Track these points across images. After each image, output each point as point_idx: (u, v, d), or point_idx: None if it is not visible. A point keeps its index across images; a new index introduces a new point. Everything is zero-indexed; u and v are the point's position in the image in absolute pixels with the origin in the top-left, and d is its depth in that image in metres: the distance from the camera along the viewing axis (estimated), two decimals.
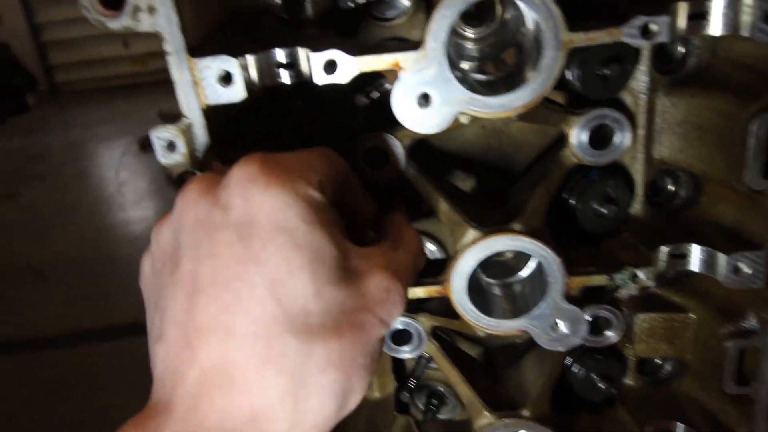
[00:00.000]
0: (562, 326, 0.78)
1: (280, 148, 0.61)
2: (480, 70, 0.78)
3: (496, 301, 0.84)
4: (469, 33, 0.78)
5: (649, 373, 0.95)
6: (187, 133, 0.66)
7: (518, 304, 0.81)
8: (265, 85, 0.66)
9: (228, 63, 0.63)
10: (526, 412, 0.89)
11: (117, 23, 0.61)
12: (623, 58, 0.71)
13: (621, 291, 0.88)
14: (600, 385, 0.91)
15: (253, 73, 0.64)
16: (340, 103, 0.80)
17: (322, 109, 0.81)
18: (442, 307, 0.90)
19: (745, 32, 0.60)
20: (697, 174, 0.79)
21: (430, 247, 0.99)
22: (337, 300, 0.52)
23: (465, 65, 0.78)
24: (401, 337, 0.89)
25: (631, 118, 0.75)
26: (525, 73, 0.65)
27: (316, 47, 0.63)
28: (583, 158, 0.77)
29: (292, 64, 0.65)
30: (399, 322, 0.87)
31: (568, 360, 0.92)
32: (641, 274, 0.76)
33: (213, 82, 0.64)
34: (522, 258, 0.85)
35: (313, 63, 0.63)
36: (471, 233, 0.75)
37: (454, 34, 0.68)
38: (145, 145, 5.81)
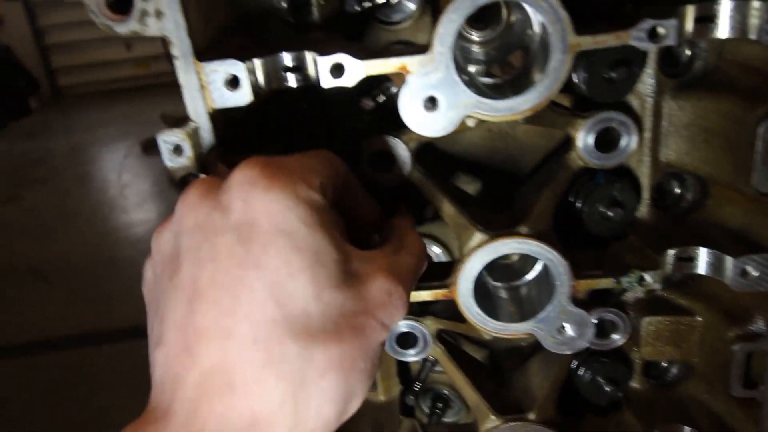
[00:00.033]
0: (569, 329, 0.78)
1: (285, 151, 0.61)
2: (487, 74, 0.78)
3: (503, 304, 0.84)
4: (475, 36, 0.78)
5: (656, 376, 0.95)
6: (194, 136, 0.66)
7: (524, 307, 0.81)
8: (272, 88, 0.66)
9: (235, 67, 0.63)
10: (532, 416, 0.89)
11: (124, 27, 0.61)
12: (630, 61, 0.71)
13: (627, 294, 0.88)
14: (606, 388, 0.90)
15: (260, 77, 0.64)
16: (346, 106, 0.80)
17: (328, 112, 0.81)
18: (448, 310, 0.90)
19: (752, 35, 0.60)
20: (703, 177, 0.79)
21: (436, 250, 0.99)
22: (337, 303, 0.51)
23: (472, 68, 0.78)
24: (407, 340, 0.88)
25: (637, 121, 0.75)
26: (532, 76, 0.65)
27: (323, 51, 0.63)
28: (590, 161, 0.77)
29: (299, 68, 0.65)
30: (404, 325, 0.87)
31: (574, 363, 0.92)
32: (648, 277, 0.76)
33: (220, 85, 0.64)
34: (528, 261, 0.85)
35: (321, 67, 0.63)
36: (477, 236, 0.75)
37: (460, 37, 0.68)
38: (148, 148, 5.82)
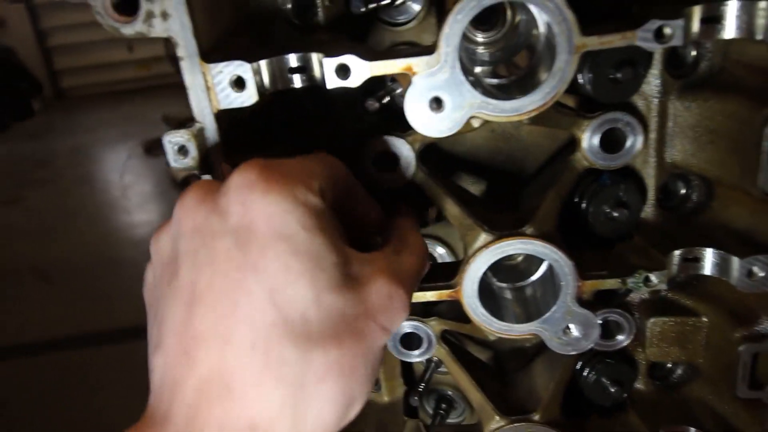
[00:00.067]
0: (574, 330, 0.78)
1: (289, 152, 0.61)
2: (493, 74, 0.78)
3: (508, 304, 0.84)
4: (480, 38, 0.78)
5: (660, 377, 0.95)
6: (199, 137, 0.66)
7: (529, 307, 0.81)
8: (277, 89, 0.66)
9: (241, 68, 0.63)
10: (536, 416, 0.89)
11: (130, 29, 0.61)
12: (636, 61, 0.71)
13: (632, 295, 0.88)
14: (611, 389, 0.90)
15: (266, 78, 0.65)
16: (350, 107, 0.80)
17: (332, 113, 0.81)
18: (452, 310, 0.90)
19: (759, 36, 0.60)
20: (709, 178, 0.79)
21: (440, 251, 0.99)
22: (337, 307, 0.51)
23: (477, 69, 0.78)
24: (411, 340, 0.88)
25: (643, 121, 0.75)
26: (537, 76, 0.65)
27: (329, 52, 0.63)
28: (595, 162, 0.76)
29: (305, 69, 0.65)
30: (408, 326, 0.87)
31: (579, 364, 0.92)
32: (653, 277, 0.76)
33: (225, 86, 0.64)
34: (533, 262, 0.85)
35: (326, 68, 0.63)
36: (483, 237, 0.75)
37: (465, 39, 0.68)
38: (150, 149, 5.83)
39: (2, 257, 4.40)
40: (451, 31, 0.61)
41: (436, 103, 0.64)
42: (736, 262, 0.72)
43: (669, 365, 0.94)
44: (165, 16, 0.61)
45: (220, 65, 0.63)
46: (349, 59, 0.63)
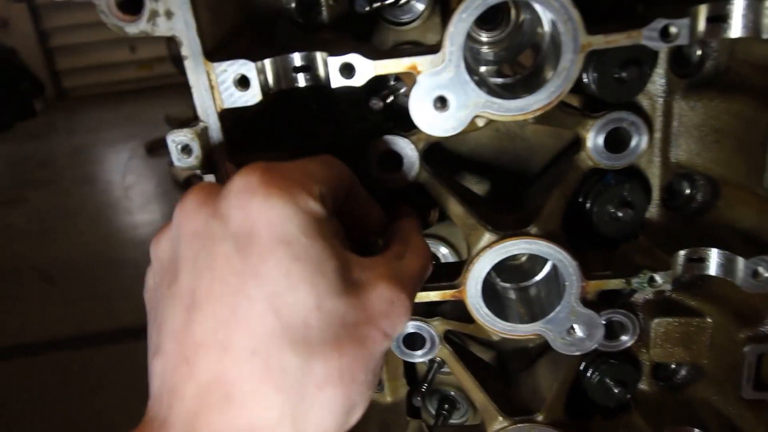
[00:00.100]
0: (578, 330, 0.78)
1: (293, 151, 0.61)
2: (497, 74, 0.77)
3: (511, 305, 0.83)
4: (484, 37, 0.78)
5: (664, 378, 0.95)
6: (203, 136, 0.66)
7: (533, 308, 0.81)
8: (281, 88, 0.66)
9: (245, 67, 0.63)
10: (540, 417, 0.88)
11: (135, 28, 0.61)
12: (641, 61, 0.70)
13: (636, 295, 0.88)
14: (614, 389, 0.90)
15: (270, 77, 0.64)
16: (354, 106, 0.80)
17: (336, 112, 0.81)
18: (455, 310, 0.89)
19: (765, 35, 0.59)
20: (714, 178, 0.78)
21: (443, 251, 0.99)
22: (338, 313, 0.50)
23: (482, 69, 0.78)
24: (414, 341, 0.88)
25: (648, 121, 0.75)
26: (542, 75, 0.65)
27: (333, 51, 0.63)
28: (599, 161, 0.76)
29: (309, 68, 0.65)
30: (411, 326, 0.87)
31: (582, 364, 0.92)
32: (658, 277, 0.76)
33: (229, 85, 0.64)
34: (537, 262, 0.85)
35: (331, 66, 0.63)
36: (486, 236, 0.75)
37: (469, 38, 0.68)
38: (152, 149, 5.83)
39: (3, 257, 4.41)
40: (455, 29, 0.61)
41: (441, 102, 0.64)
42: (741, 262, 0.72)
43: (673, 366, 0.94)
44: (169, 15, 0.61)
45: (224, 64, 0.63)
46: (353, 58, 0.63)
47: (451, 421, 1.06)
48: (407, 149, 0.76)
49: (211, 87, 0.64)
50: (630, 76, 0.70)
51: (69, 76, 7.59)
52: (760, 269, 0.71)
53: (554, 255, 0.74)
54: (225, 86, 0.64)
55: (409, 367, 1.01)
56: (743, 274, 0.72)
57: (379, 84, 0.78)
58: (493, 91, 0.64)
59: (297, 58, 0.64)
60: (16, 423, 2.96)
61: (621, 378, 0.90)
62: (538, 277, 0.85)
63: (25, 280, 4.10)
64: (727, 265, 0.74)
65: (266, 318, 0.48)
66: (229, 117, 0.67)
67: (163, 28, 0.61)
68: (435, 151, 0.80)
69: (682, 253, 0.76)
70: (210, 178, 0.67)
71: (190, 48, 0.62)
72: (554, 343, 0.79)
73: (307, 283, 0.49)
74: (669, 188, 0.82)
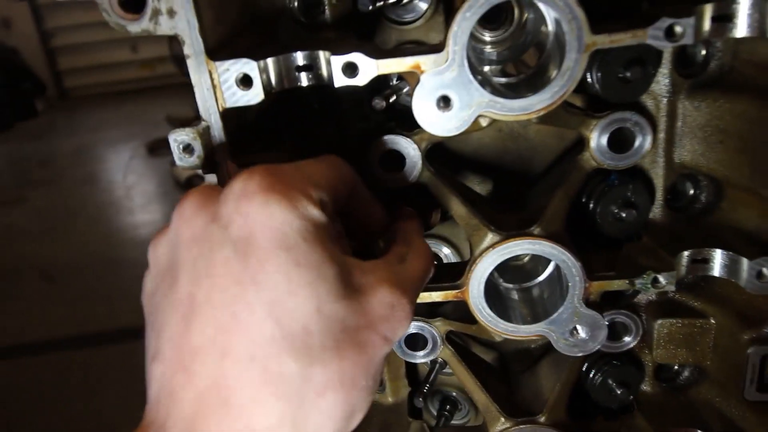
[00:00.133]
0: (581, 331, 0.78)
1: (295, 151, 0.61)
2: (501, 73, 0.77)
3: (514, 305, 0.83)
4: (488, 37, 0.78)
5: (667, 380, 0.94)
6: (205, 135, 0.65)
7: (536, 308, 0.81)
8: (283, 87, 0.65)
9: (248, 66, 0.62)
10: (542, 418, 0.88)
11: (137, 26, 0.61)
12: (645, 60, 0.70)
13: (639, 296, 0.87)
14: (617, 391, 0.90)
15: (272, 76, 0.64)
16: (356, 106, 0.79)
17: (338, 112, 0.81)
18: (457, 311, 0.89)
19: None
20: (718, 178, 0.78)
21: (445, 251, 0.99)
22: (338, 319, 0.50)
23: (485, 68, 0.77)
24: (416, 341, 0.88)
25: (651, 121, 0.75)
26: (546, 75, 0.65)
27: (336, 50, 0.63)
28: (603, 162, 0.76)
29: (312, 67, 0.65)
30: (413, 327, 0.87)
31: (585, 365, 0.91)
32: (662, 278, 0.75)
33: (232, 84, 0.63)
34: (540, 262, 0.84)
35: (334, 66, 0.63)
36: (489, 237, 0.74)
37: (473, 38, 0.67)
38: (153, 149, 5.83)
39: (4, 257, 4.41)
40: (459, 29, 0.60)
41: (444, 102, 0.64)
42: (745, 263, 0.72)
43: (676, 367, 0.93)
44: (171, 13, 0.60)
45: (227, 63, 0.62)
46: (356, 57, 0.63)
47: (453, 422, 1.06)
48: (409, 149, 0.76)
49: (214, 86, 0.63)
50: (634, 76, 0.70)
51: (70, 76, 7.60)
52: (765, 270, 0.71)
53: (557, 255, 0.74)
54: (227, 85, 0.63)
55: (411, 368, 1.00)
56: (747, 275, 0.72)
57: (381, 83, 0.77)
58: (497, 91, 0.64)
59: (300, 57, 0.64)
60: (16, 423, 2.96)
61: (624, 379, 0.90)
62: (541, 278, 0.85)
63: (26, 280, 4.10)
64: (731, 266, 0.74)
65: (266, 323, 0.48)
66: (231, 116, 0.66)
67: (165, 26, 0.61)
68: (437, 151, 0.79)
69: (685, 253, 0.75)
70: (211, 177, 0.67)
71: (193, 47, 0.62)
72: (557, 344, 0.78)
73: (307, 289, 0.49)
74: (673, 189, 0.82)
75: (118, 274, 3.91)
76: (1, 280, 4.14)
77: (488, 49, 0.77)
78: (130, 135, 6.35)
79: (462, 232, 0.96)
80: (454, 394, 1.06)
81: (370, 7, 0.71)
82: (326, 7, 0.75)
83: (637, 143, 0.75)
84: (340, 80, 0.64)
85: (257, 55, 0.63)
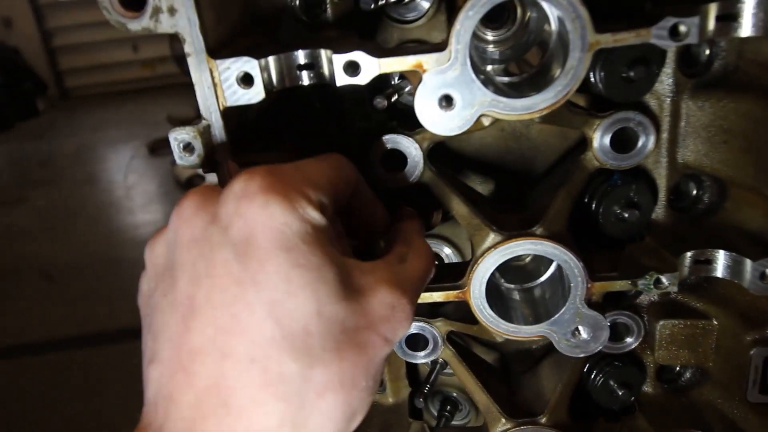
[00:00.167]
0: (583, 332, 0.77)
1: (296, 150, 0.61)
2: (504, 72, 0.77)
3: (516, 306, 0.83)
4: (490, 36, 0.77)
5: (669, 381, 0.94)
6: (205, 134, 0.65)
7: (538, 309, 0.80)
8: (285, 86, 0.65)
9: (248, 64, 0.62)
10: (543, 419, 0.88)
11: (137, 24, 0.61)
12: (649, 60, 0.70)
13: (641, 297, 0.87)
14: (619, 392, 0.89)
15: (273, 75, 0.64)
16: (358, 105, 0.79)
17: (340, 111, 0.80)
18: (458, 311, 0.89)
19: None
20: (722, 179, 0.78)
21: (447, 251, 0.98)
22: (338, 320, 0.50)
23: (488, 67, 0.77)
24: (416, 341, 0.88)
25: (655, 121, 0.74)
26: (550, 74, 0.65)
27: (338, 49, 0.63)
28: (606, 162, 0.75)
29: (313, 66, 0.64)
30: (414, 327, 0.86)
31: (586, 366, 0.91)
32: (665, 279, 0.75)
33: (232, 83, 0.63)
34: (542, 262, 0.84)
35: (335, 64, 0.63)
36: (491, 237, 0.74)
37: (475, 37, 0.67)
38: (154, 149, 5.84)
39: (4, 257, 4.41)
40: (461, 27, 0.60)
41: (446, 101, 0.64)
42: (748, 264, 0.71)
43: (678, 368, 0.93)
44: (172, 11, 0.60)
45: (228, 61, 0.62)
46: (358, 56, 0.62)
47: (453, 422, 1.05)
48: (411, 149, 0.76)
49: (214, 84, 0.63)
50: (638, 76, 0.69)
51: (72, 76, 7.60)
52: None
53: (560, 256, 0.73)
54: (228, 84, 0.63)
55: (412, 368, 1.00)
56: (751, 276, 0.71)
57: (383, 83, 0.77)
58: (500, 90, 0.64)
59: (301, 56, 0.64)
60: (16, 423, 2.96)
61: (625, 380, 0.89)
62: (543, 278, 0.84)
63: (26, 280, 4.10)
64: (734, 267, 0.73)
65: (266, 324, 0.48)
66: (232, 115, 0.66)
67: (166, 24, 0.60)
68: (439, 150, 0.79)
69: (688, 254, 0.75)
70: (212, 176, 0.66)
71: (193, 45, 0.61)
72: (558, 344, 0.78)
73: (307, 290, 0.48)
74: (676, 189, 0.82)
75: (119, 274, 3.91)
76: (1, 279, 4.14)
77: (491, 48, 0.77)
78: (130, 135, 6.36)
79: (463, 232, 0.96)
80: (454, 394, 1.05)
81: (372, 6, 0.70)
82: (328, 6, 0.75)
83: (640, 143, 0.74)
84: (341, 79, 0.63)
85: (258, 54, 0.62)
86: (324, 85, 0.66)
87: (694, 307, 0.86)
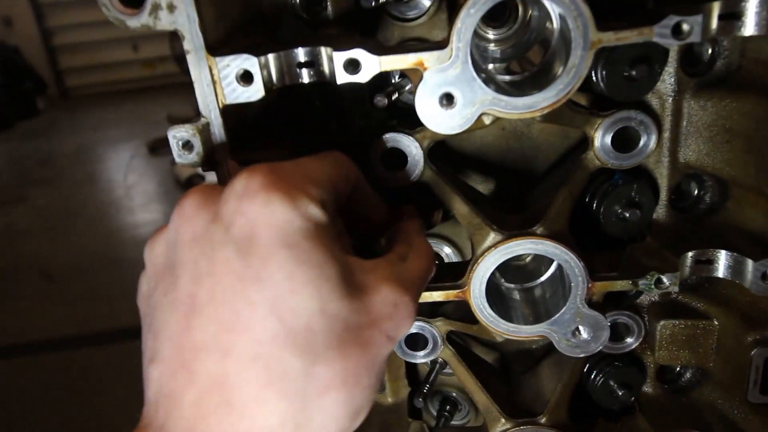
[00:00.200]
0: (584, 332, 0.77)
1: (296, 148, 0.60)
2: (506, 71, 0.76)
3: (516, 305, 0.83)
4: (491, 34, 0.77)
5: (669, 381, 0.94)
6: (204, 132, 0.65)
7: (538, 309, 0.80)
8: (284, 84, 0.65)
9: (248, 61, 0.62)
10: (543, 419, 0.88)
11: (136, 21, 0.60)
12: (651, 59, 0.69)
13: (642, 297, 0.87)
14: (619, 392, 0.89)
15: (273, 72, 0.63)
16: (358, 103, 0.79)
17: (340, 109, 0.80)
18: (458, 311, 0.88)
19: None
20: (723, 178, 0.77)
21: (447, 251, 0.98)
22: (341, 317, 0.49)
23: (489, 66, 0.77)
24: (416, 341, 0.87)
25: (657, 120, 0.74)
26: (551, 72, 0.64)
27: (338, 46, 0.62)
28: (607, 161, 0.75)
29: (313, 63, 0.64)
30: (414, 326, 0.86)
31: (586, 366, 0.91)
32: (665, 279, 0.75)
33: (232, 80, 0.63)
34: (542, 262, 0.84)
35: (336, 62, 0.62)
36: (492, 236, 0.74)
37: (476, 36, 0.67)
38: (154, 148, 5.84)
39: (4, 256, 4.41)
40: (463, 25, 0.60)
41: (447, 100, 0.63)
42: (750, 264, 0.71)
43: (678, 369, 0.93)
44: (171, 8, 0.60)
45: (227, 59, 0.62)
46: (358, 53, 0.62)
47: (453, 422, 1.05)
48: (411, 147, 0.75)
49: (214, 82, 0.63)
50: (640, 75, 0.69)
51: (72, 75, 7.61)
52: None
53: (560, 255, 0.73)
54: (227, 81, 0.63)
55: (411, 368, 1.00)
56: (752, 276, 0.71)
57: (383, 81, 0.77)
58: (501, 88, 0.63)
59: (301, 53, 0.63)
60: (16, 423, 2.96)
61: (625, 380, 0.89)
62: (543, 278, 0.84)
63: (26, 280, 4.10)
64: (735, 267, 0.73)
65: (268, 322, 0.47)
66: (231, 113, 0.66)
67: (165, 21, 0.60)
68: (440, 149, 0.79)
69: (690, 254, 0.75)
70: (211, 175, 0.66)
71: (193, 42, 0.61)
72: (559, 344, 0.78)
73: (310, 287, 0.48)
74: (677, 189, 0.81)
75: (118, 274, 3.91)
76: (0, 279, 4.14)
77: (492, 47, 0.77)
78: (130, 134, 6.36)
79: (464, 232, 0.96)
80: (454, 394, 1.05)
81: (373, 4, 0.70)
82: (328, 4, 0.75)
83: (641, 143, 0.74)
84: (342, 77, 0.63)
85: (258, 51, 0.62)
86: (324, 83, 0.65)
87: (695, 308, 0.85)
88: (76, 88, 7.63)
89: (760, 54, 0.70)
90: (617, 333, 0.86)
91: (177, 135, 0.64)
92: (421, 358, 0.88)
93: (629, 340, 0.86)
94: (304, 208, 0.50)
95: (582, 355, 0.79)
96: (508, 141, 0.86)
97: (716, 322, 0.83)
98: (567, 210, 0.75)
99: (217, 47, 0.62)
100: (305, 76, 0.65)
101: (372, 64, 0.62)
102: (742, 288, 0.73)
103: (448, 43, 0.61)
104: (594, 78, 0.71)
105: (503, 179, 0.91)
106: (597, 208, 0.79)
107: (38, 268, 4.19)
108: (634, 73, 0.69)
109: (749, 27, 0.59)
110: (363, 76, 0.63)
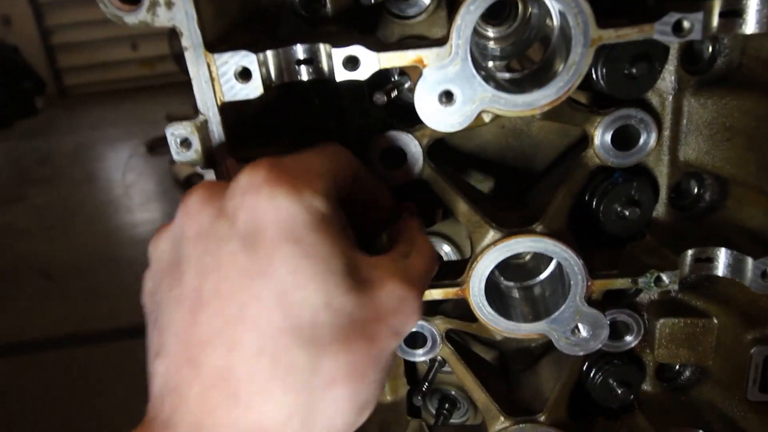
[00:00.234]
0: (583, 330, 0.77)
1: (294, 146, 0.60)
2: (506, 68, 0.76)
3: (515, 304, 0.82)
4: (491, 32, 0.77)
5: (669, 379, 0.94)
6: (203, 129, 0.64)
7: (538, 307, 0.80)
8: (283, 82, 0.64)
9: (247, 58, 0.61)
10: (542, 417, 0.88)
11: (134, 17, 0.60)
12: (651, 56, 0.69)
13: (641, 295, 0.87)
14: (618, 390, 0.89)
15: (272, 70, 0.63)
16: (357, 101, 0.79)
17: (338, 107, 0.80)
18: (457, 309, 0.88)
19: None
20: (724, 177, 0.77)
21: (446, 249, 0.98)
22: (348, 311, 0.49)
23: (489, 64, 0.76)
24: (415, 339, 0.87)
25: (657, 118, 0.74)
26: (551, 70, 0.64)
27: (337, 43, 0.62)
28: (607, 159, 0.75)
29: (312, 60, 0.64)
30: None
31: (586, 365, 0.91)
32: (665, 277, 0.74)
33: (230, 78, 0.63)
34: (542, 260, 0.84)
35: (335, 59, 0.62)
36: (491, 234, 0.74)
37: (476, 33, 0.67)
38: (153, 147, 5.83)
39: (3, 256, 4.41)
40: (462, 22, 0.60)
41: (447, 97, 0.63)
42: (750, 262, 0.71)
43: (677, 367, 0.93)
44: (169, 5, 0.59)
45: (225, 55, 0.61)
46: (357, 50, 0.62)
47: (452, 420, 1.05)
48: (411, 145, 0.75)
49: (212, 79, 0.63)
50: (640, 72, 0.69)
51: (70, 74, 7.61)
52: None
53: (560, 253, 0.73)
54: (226, 78, 0.62)
55: (410, 366, 1.00)
56: (752, 274, 0.71)
57: (382, 78, 0.76)
58: (500, 86, 0.63)
59: (300, 51, 0.63)
60: (16, 422, 2.95)
61: (625, 379, 0.89)
62: (543, 276, 0.84)
63: (25, 279, 4.10)
64: (735, 266, 0.73)
65: (274, 316, 0.47)
66: (230, 110, 0.65)
67: (163, 18, 0.60)
68: (439, 147, 0.78)
69: (689, 252, 0.74)
70: (210, 173, 0.66)
71: (191, 39, 0.61)
72: (558, 342, 0.78)
73: (316, 281, 0.48)
74: (677, 187, 0.81)
75: (118, 273, 3.91)
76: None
77: (492, 44, 0.77)
78: (129, 133, 6.36)
79: (463, 230, 0.96)
80: (453, 392, 1.05)
81: (372, 1, 0.70)
82: (327, 1, 0.74)
83: (641, 141, 0.74)
84: (341, 74, 0.63)
85: (257, 48, 0.62)
86: (323, 80, 0.65)
87: (694, 306, 0.85)
88: (74, 87, 7.62)
89: (761, 52, 0.70)
90: (617, 331, 0.85)
91: (175, 132, 0.64)
92: (420, 356, 0.88)
93: (629, 338, 0.86)
94: (309, 202, 0.50)
95: (581, 354, 0.79)
96: (508, 139, 0.86)
97: (716, 321, 0.83)
98: (566, 208, 0.75)
99: (215, 44, 0.62)
100: (304, 73, 0.64)
101: (371, 61, 0.62)
102: (742, 286, 0.73)
103: (448, 41, 0.61)
104: (594, 75, 0.71)
105: (502, 177, 0.90)
106: (597, 206, 0.79)
107: (37, 267, 4.18)
108: (634, 70, 0.69)
109: (750, 25, 0.59)
110: (362, 74, 0.63)
